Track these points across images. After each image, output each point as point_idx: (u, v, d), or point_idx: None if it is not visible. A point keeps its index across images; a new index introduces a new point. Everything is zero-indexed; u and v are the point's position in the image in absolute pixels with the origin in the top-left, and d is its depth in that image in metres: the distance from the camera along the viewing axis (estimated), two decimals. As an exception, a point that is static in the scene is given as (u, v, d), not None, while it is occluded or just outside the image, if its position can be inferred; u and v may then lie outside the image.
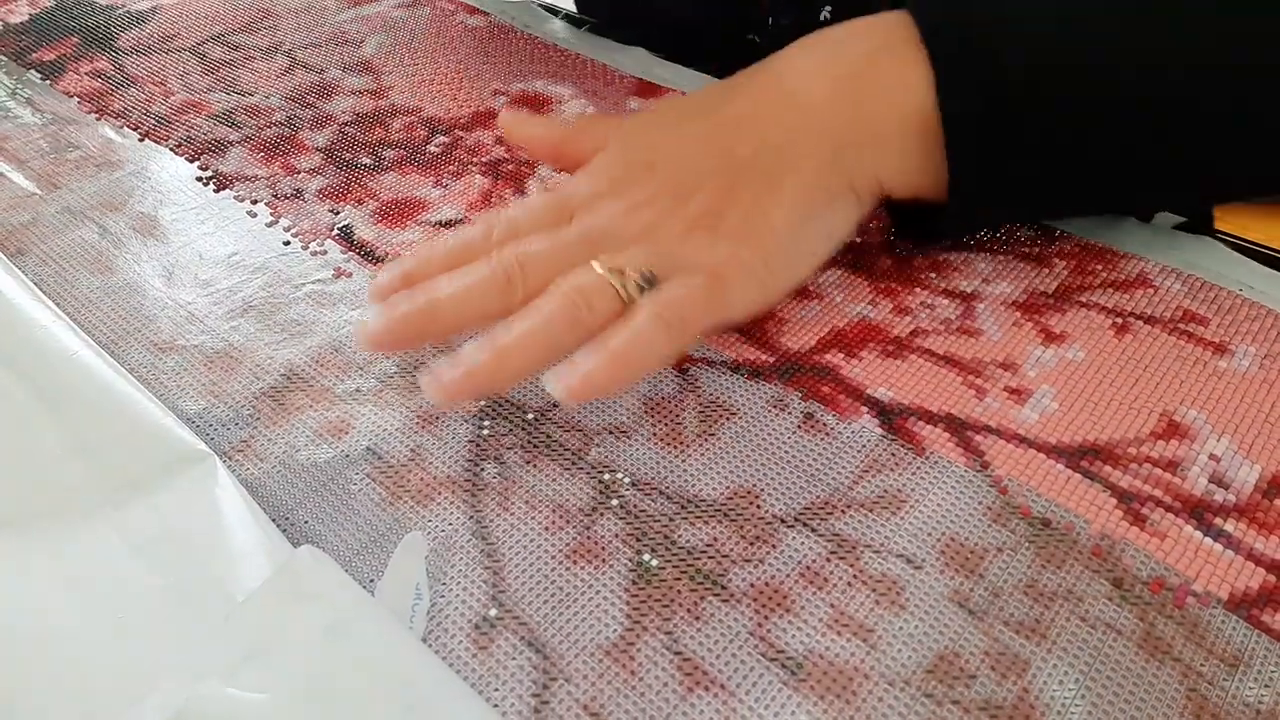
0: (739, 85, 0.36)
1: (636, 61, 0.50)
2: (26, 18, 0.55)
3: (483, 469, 0.29)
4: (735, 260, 0.31)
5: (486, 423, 0.31)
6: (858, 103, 0.33)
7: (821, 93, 0.33)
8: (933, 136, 0.32)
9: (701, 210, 0.32)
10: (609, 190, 0.33)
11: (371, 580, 0.26)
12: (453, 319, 0.30)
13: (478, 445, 0.30)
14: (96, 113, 0.47)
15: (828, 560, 0.26)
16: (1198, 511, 0.28)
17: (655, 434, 0.30)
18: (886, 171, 0.33)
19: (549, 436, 0.30)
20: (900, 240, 0.38)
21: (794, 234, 0.32)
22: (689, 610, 0.25)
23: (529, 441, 0.30)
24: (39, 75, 0.50)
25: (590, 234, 0.32)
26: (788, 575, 0.26)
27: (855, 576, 0.26)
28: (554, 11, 0.56)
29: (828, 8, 0.51)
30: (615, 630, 0.25)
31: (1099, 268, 0.36)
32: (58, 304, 0.35)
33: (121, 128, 0.46)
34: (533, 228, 0.32)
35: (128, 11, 0.56)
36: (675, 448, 0.30)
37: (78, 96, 0.48)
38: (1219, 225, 0.49)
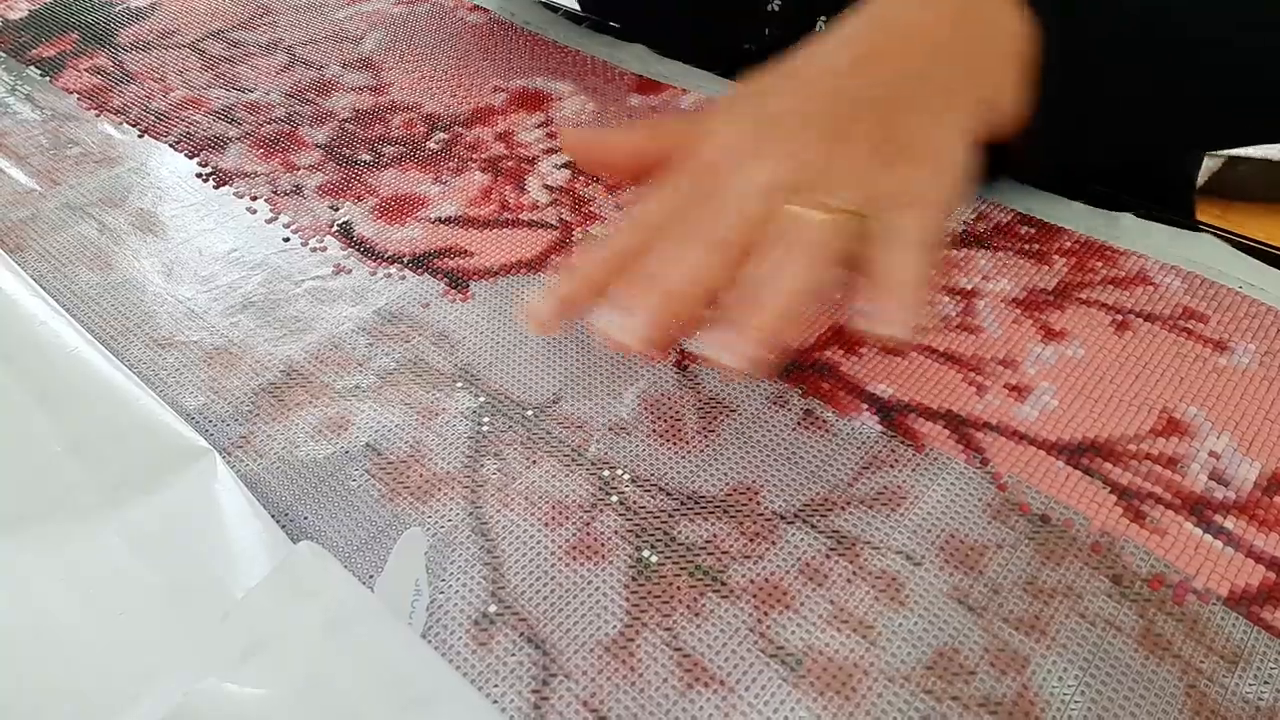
0: (841, 39, 0.36)
1: (637, 58, 0.50)
2: (26, 14, 0.55)
3: (482, 465, 0.29)
4: (929, 182, 0.31)
5: (486, 419, 0.31)
6: (974, 38, 0.35)
7: (941, 31, 0.35)
8: (1028, 73, 0.35)
9: (873, 143, 0.32)
10: (757, 150, 0.32)
11: (371, 576, 0.26)
12: (692, 298, 0.28)
13: (477, 442, 0.30)
14: (96, 109, 0.47)
15: (827, 557, 0.26)
16: (1198, 508, 0.28)
17: (655, 431, 0.30)
18: (1000, 99, 0.35)
19: (549, 433, 0.30)
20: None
21: (961, 150, 0.33)
22: (689, 606, 0.25)
23: (529, 438, 0.30)
24: (39, 71, 0.50)
25: (776, 186, 0.31)
26: (787, 572, 0.26)
27: (855, 573, 0.26)
28: (554, 8, 0.56)
29: (823, 19, 0.51)
30: (615, 626, 0.25)
31: (1099, 265, 0.36)
32: (57, 300, 0.35)
33: (121, 124, 0.46)
34: (686, 208, 0.31)
35: (127, 7, 0.56)
36: (675, 444, 0.30)
37: (77, 93, 0.48)
38: (1220, 224, 0.49)
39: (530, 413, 0.31)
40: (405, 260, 0.37)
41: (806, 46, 0.37)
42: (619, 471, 0.29)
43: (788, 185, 0.31)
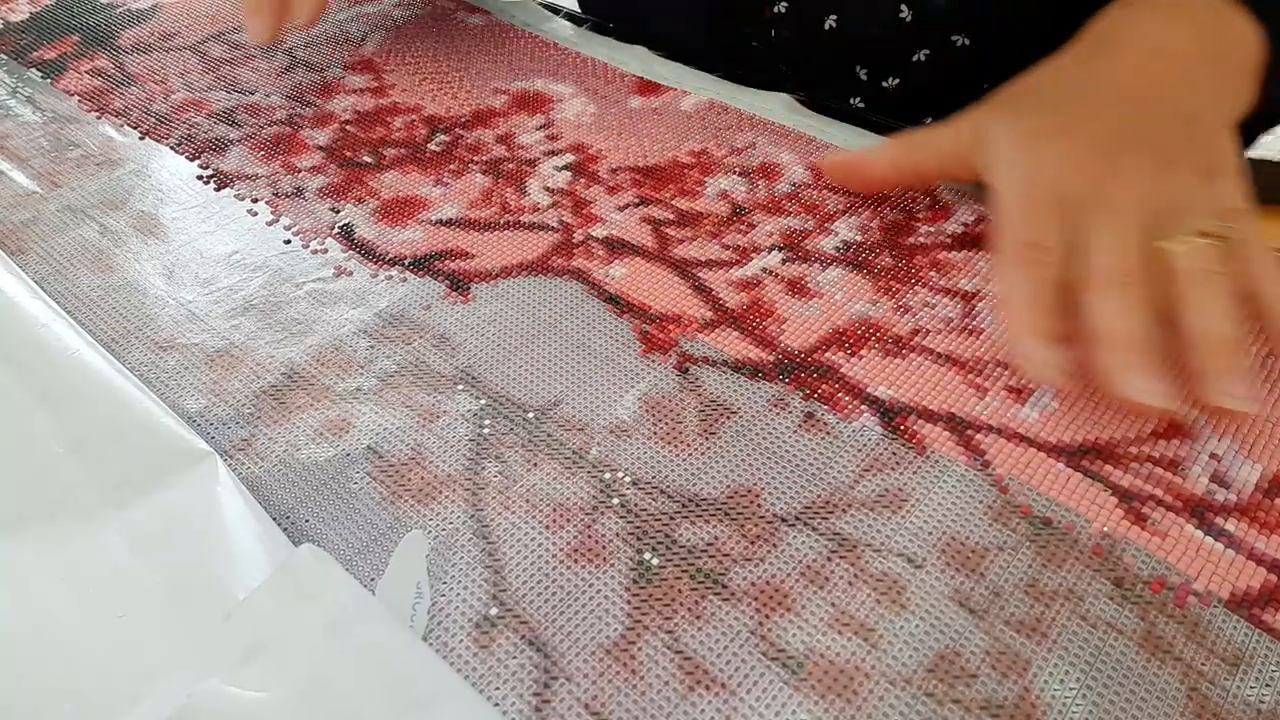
0: (1102, 62, 0.37)
1: (637, 59, 0.50)
2: (27, 16, 0.55)
3: (483, 468, 0.29)
4: (1239, 193, 0.33)
5: (487, 421, 0.31)
6: (1218, 52, 0.37)
7: (1193, 48, 0.36)
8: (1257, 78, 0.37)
9: (1189, 161, 0.34)
10: (1095, 175, 0.33)
11: (372, 579, 0.26)
12: (1147, 351, 0.30)
13: (478, 444, 0.30)
14: (97, 111, 0.47)
15: (829, 559, 0.26)
16: (1199, 510, 0.28)
17: (656, 433, 0.30)
18: (1241, 108, 0.37)
19: (550, 435, 0.30)
20: None
21: (1239, 158, 0.35)
22: (690, 609, 0.25)
23: (530, 440, 0.30)
24: (39, 74, 0.50)
25: (1143, 218, 0.32)
26: (789, 574, 0.26)
27: (856, 576, 0.26)
28: (554, 10, 0.56)
29: (833, 17, 0.51)
30: (616, 629, 0.25)
31: (1100, 267, 0.36)
32: (58, 302, 0.35)
33: (122, 126, 0.46)
34: (1074, 249, 0.32)
35: (128, 10, 0.56)
36: (676, 447, 0.30)
37: (78, 95, 0.48)
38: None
39: (531, 415, 0.31)
40: (406, 262, 0.37)
41: (1054, 68, 0.38)
42: (620, 474, 0.29)
43: (1151, 215, 0.32)
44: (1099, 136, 0.34)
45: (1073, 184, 0.33)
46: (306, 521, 0.28)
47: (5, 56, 0.52)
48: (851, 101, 0.54)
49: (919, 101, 0.53)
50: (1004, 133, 0.36)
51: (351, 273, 0.37)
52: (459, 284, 0.36)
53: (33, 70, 0.50)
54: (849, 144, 0.43)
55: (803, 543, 0.27)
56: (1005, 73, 0.51)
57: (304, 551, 0.25)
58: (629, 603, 0.25)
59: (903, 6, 0.49)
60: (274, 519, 0.27)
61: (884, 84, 0.53)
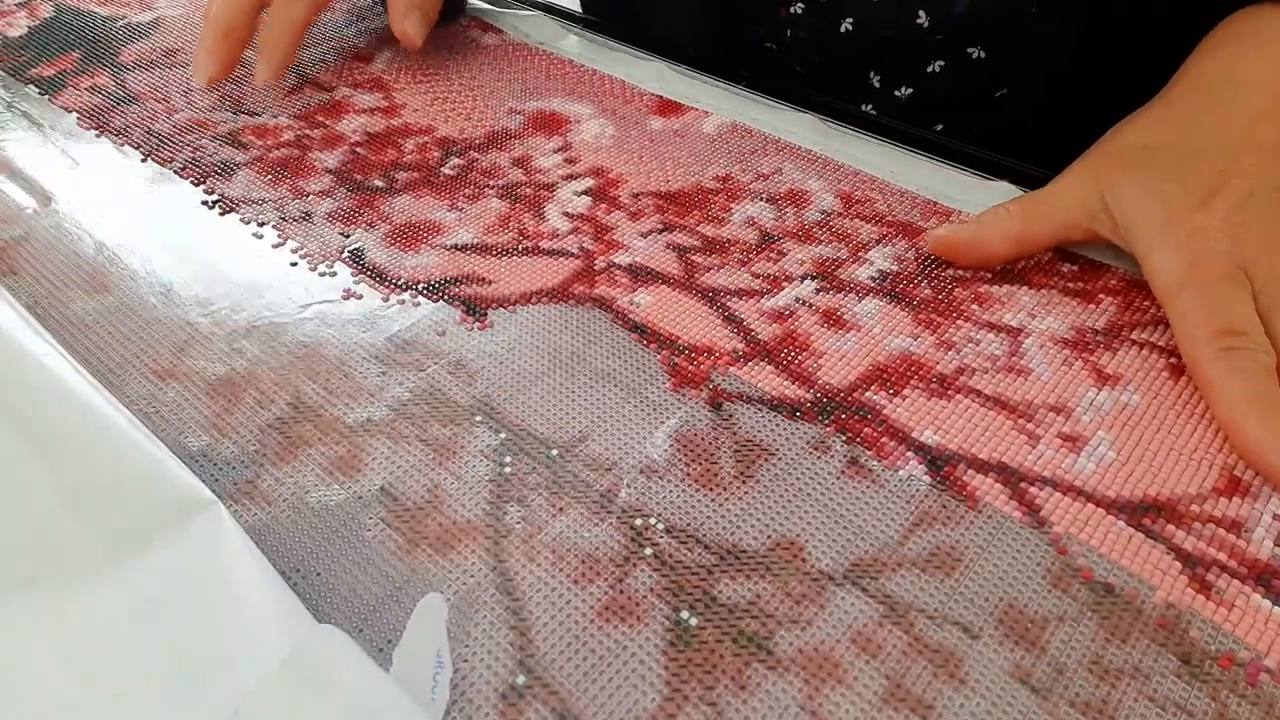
0: (1228, 107, 0.35)
1: (655, 76, 0.49)
2: (25, 30, 0.54)
3: (505, 512, 0.28)
4: None
5: (508, 459, 0.29)
6: None
7: None
8: None
9: None
10: (1259, 237, 0.32)
11: (389, 640, 0.24)
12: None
13: (499, 485, 0.28)
14: (97, 129, 0.45)
15: (880, 625, 0.24)
16: (1264, 578, 0.26)
17: (689, 474, 0.28)
18: None
19: (575, 475, 0.28)
20: None
21: None
22: (733, 678, 0.23)
23: (554, 481, 0.28)
24: (37, 90, 0.48)
25: None
26: (838, 640, 0.24)
27: (910, 644, 0.24)
28: (570, 18, 0.54)
29: (850, 20, 0.50)
30: (654, 699, 0.23)
31: (1147, 304, 0.34)
32: (52, 328, 0.33)
33: (123, 146, 0.44)
34: (1249, 315, 0.31)
35: (128, 23, 0.54)
36: (712, 491, 0.28)
37: (77, 112, 0.46)
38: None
39: (555, 452, 0.29)
40: (420, 287, 0.35)
41: (1167, 115, 0.36)
42: (652, 520, 0.27)
43: None
44: (1250, 194, 0.33)
45: (1238, 251, 0.32)
46: (318, 575, 0.26)
47: (2, 73, 0.50)
48: (863, 108, 0.53)
49: (931, 111, 0.52)
50: (1142, 196, 0.34)
51: (361, 296, 0.35)
52: (475, 309, 0.34)
53: (31, 86, 0.48)
54: (879, 169, 0.42)
55: (851, 604, 0.25)
56: (1019, 86, 0.50)
57: (319, 635, 0.23)
58: (666, 668, 0.24)
59: (920, 12, 0.48)
60: (283, 573, 0.25)
61: (896, 92, 0.52)
